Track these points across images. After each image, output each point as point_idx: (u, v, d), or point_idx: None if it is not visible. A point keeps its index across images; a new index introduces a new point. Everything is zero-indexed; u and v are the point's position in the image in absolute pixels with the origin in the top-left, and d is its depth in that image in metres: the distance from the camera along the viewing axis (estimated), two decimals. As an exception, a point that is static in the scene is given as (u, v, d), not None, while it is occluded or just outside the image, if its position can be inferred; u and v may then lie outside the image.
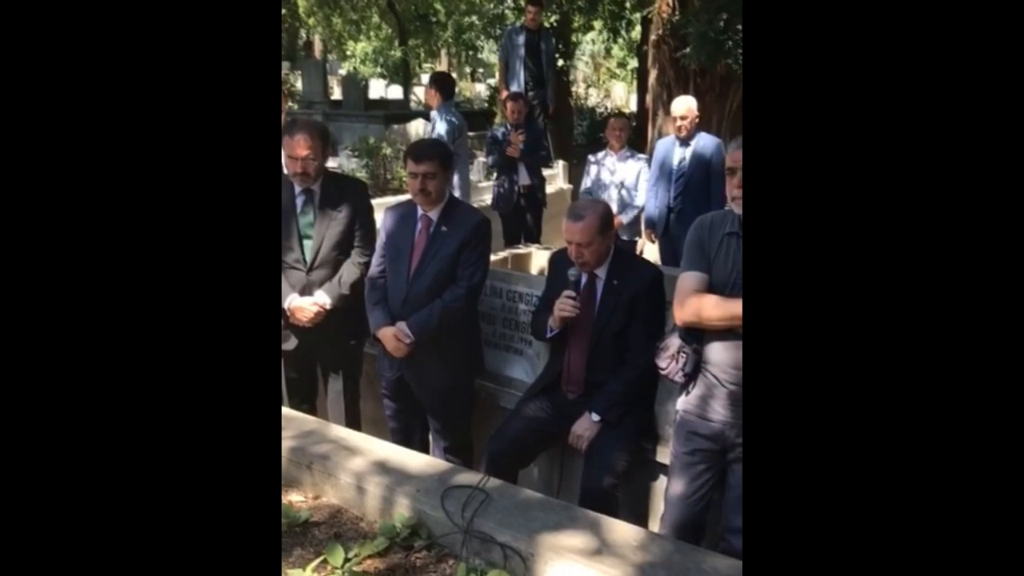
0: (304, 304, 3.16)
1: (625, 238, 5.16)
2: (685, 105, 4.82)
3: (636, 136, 8.50)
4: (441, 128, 5.58)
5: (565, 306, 2.77)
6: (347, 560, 1.81)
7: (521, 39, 7.16)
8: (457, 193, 5.73)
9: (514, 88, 7.07)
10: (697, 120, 4.88)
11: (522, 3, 7.33)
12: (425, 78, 21.03)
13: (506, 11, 13.69)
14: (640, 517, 2.85)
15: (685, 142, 4.84)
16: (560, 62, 10.77)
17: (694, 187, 4.80)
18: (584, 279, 2.87)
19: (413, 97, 16.72)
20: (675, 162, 4.90)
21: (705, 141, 4.85)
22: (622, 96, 19.30)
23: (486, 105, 11.69)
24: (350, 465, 2.13)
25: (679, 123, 4.80)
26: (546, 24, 10.12)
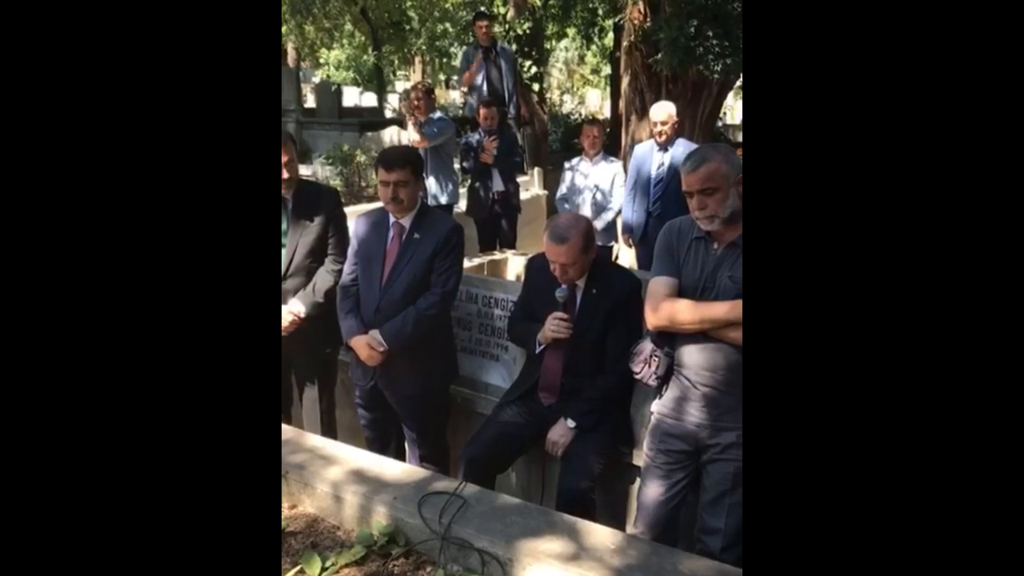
0: (279, 313, 3.14)
1: (600, 243, 5.18)
2: (665, 111, 4.83)
3: (610, 141, 8.57)
4: (443, 128, 5.52)
5: (558, 328, 2.78)
6: (324, 569, 1.80)
7: (480, 57, 7.03)
8: (445, 199, 5.72)
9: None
10: (677, 125, 4.91)
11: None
12: (399, 86, 21.01)
13: (479, 18, 13.69)
14: (617, 519, 2.86)
15: (664, 147, 4.87)
16: (534, 69, 10.83)
17: (673, 192, 4.82)
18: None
19: (387, 104, 16.67)
20: (654, 168, 4.92)
21: (684, 147, 4.86)
22: (596, 102, 19.42)
23: (460, 112, 11.73)
24: (327, 474, 2.12)
25: (659, 128, 4.81)
26: (519, 31, 10.17)
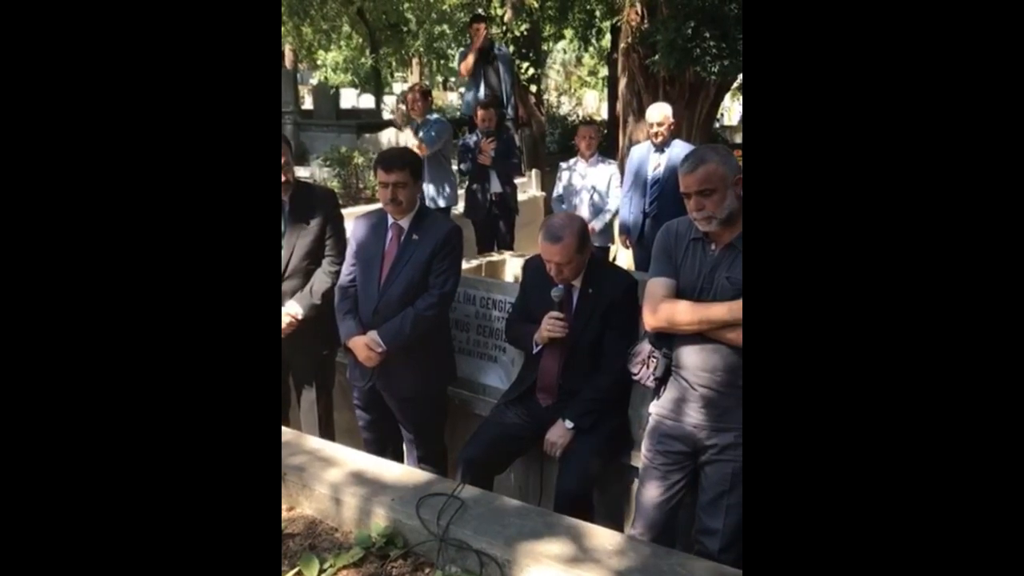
0: (276, 314, 3.14)
1: (597, 244, 5.18)
2: (661, 112, 4.83)
3: (608, 143, 8.58)
4: (441, 132, 5.51)
5: (554, 328, 2.78)
6: (322, 571, 1.80)
7: (472, 54, 6.92)
8: (442, 202, 5.70)
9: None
10: (673, 127, 4.91)
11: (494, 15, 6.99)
12: (397, 87, 20.98)
13: (477, 20, 13.67)
14: (615, 521, 2.86)
15: (660, 149, 4.87)
16: (531, 71, 10.82)
17: (670, 193, 4.82)
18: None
19: (385, 106, 16.67)
20: (650, 169, 4.92)
21: (680, 148, 4.86)
22: (594, 104, 19.46)
23: (458, 114, 11.75)
24: (325, 476, 2.12)
25: (655, 129, 4.82)
26: (517, 32, 10.17)
